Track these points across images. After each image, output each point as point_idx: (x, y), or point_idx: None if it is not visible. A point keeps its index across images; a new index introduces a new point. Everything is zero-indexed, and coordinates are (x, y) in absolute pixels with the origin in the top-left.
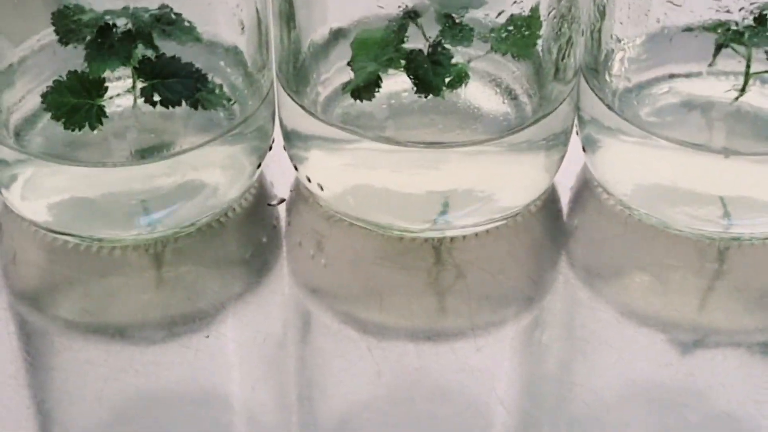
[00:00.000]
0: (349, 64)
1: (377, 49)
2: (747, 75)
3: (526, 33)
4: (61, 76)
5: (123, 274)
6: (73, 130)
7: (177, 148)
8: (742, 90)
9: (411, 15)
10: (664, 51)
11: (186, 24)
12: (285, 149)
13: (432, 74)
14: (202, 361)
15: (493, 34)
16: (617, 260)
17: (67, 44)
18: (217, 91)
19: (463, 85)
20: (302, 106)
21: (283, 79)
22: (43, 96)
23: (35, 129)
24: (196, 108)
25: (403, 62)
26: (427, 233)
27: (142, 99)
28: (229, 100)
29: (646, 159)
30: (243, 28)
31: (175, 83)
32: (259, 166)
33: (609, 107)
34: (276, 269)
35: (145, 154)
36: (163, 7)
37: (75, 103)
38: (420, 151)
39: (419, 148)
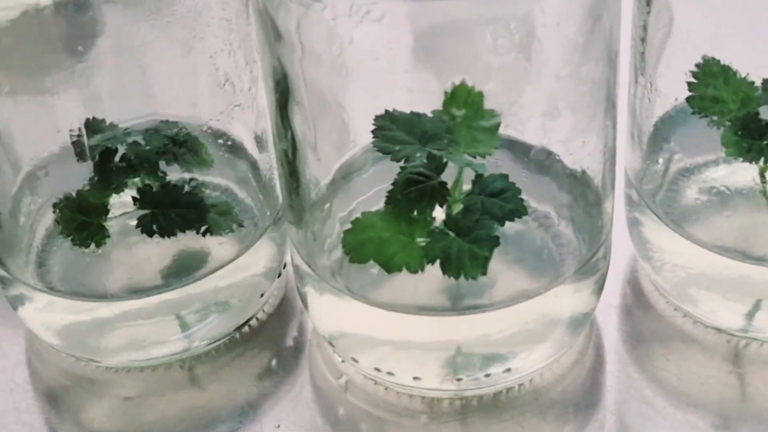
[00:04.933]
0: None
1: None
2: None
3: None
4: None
5: (160, 392)
6: (80, 247)
7: (206, 267)
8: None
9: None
10: None
11: (198, 147)
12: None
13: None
14: None
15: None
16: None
17: (82, 161)
18: (227, 212)
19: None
20: (304, 259)
21: (287, 216)
22: (55, 206)
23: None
24: (204, 235)
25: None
26: (459, 392)
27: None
28: (239, 223)
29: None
30: (259, 143)
31: (175, 214)
32: (279, 275)
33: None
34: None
35: (177, 277)
36: (177, 129)
37: (82, 221)
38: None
39: (431, 315)
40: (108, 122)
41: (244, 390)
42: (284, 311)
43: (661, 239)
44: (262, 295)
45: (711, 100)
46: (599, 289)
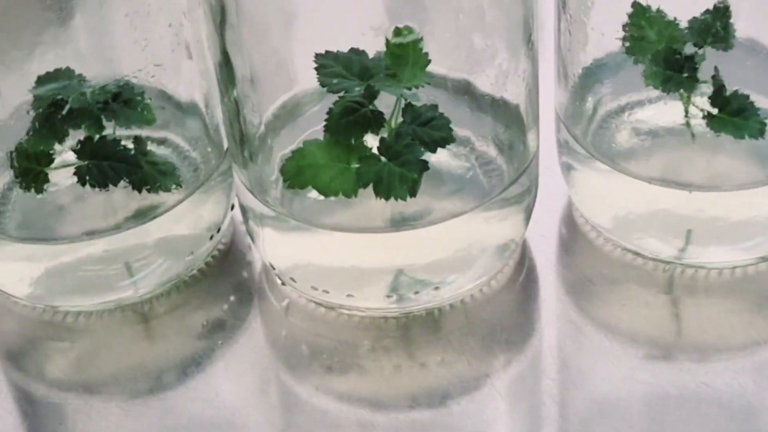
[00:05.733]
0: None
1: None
2: None
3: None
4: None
5: (111, 335)
6: (26, 191)
7: (154, 212)
8: None
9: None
10: None
11: (143, 102)
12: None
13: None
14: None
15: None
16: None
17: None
18: (167, 172)
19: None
20: (248, 188)
21: (231, 149)
22: (9, 154)
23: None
24: (140, 191)
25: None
26: (391, 311)
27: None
28: (178, 184)
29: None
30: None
31: (107, 167)
32: (217, 230)
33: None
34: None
35: (129, 219)
36: (123, 83)
37: (26, 167)
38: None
39: (361, 233)
40: (77, 73)
41: (196, 330)
42: (234, 251)
43: (589, 173)
44: (212, 238)
45: (638, 39)
46: (527, 217)
